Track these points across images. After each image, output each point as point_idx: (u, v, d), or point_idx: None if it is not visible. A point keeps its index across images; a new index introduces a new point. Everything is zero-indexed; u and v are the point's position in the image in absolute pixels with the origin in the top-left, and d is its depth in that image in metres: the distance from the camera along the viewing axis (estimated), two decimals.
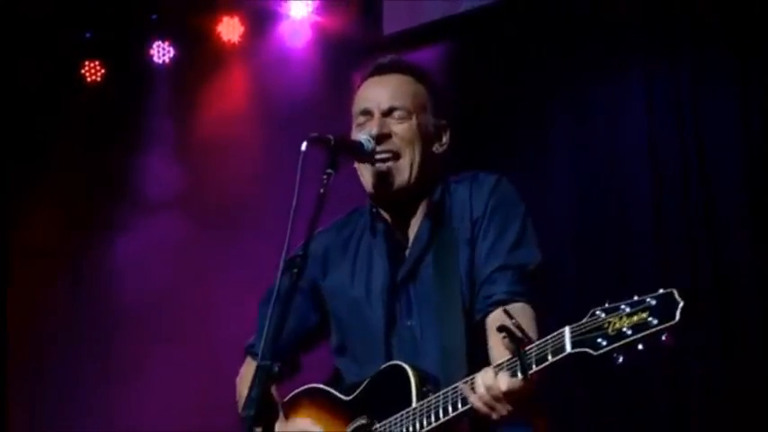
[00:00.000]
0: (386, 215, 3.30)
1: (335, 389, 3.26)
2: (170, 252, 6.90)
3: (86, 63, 7.19)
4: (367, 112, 3.27)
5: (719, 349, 5.48)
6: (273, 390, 3.20)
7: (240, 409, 3.27)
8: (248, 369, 3.41)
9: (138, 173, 7.12)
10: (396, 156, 3.20)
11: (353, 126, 3.31)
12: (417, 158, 3.22)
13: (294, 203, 2.84)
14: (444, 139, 3.32)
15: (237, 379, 3.48)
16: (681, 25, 5.80)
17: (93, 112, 7.16)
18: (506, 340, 2.72)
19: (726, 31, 5.67)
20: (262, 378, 2.66)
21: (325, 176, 2.99)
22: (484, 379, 2.78)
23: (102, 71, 7.20)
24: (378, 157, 3.19)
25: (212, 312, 6.59)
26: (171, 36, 7.13)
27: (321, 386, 3.31)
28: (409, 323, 3.19)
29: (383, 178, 3.20)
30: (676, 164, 5.74)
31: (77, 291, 7.11)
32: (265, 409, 2.64)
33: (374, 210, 3.31)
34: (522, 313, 2.88)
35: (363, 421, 3.10)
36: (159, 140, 7.11)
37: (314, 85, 6.74)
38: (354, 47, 6.54)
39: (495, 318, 3.01)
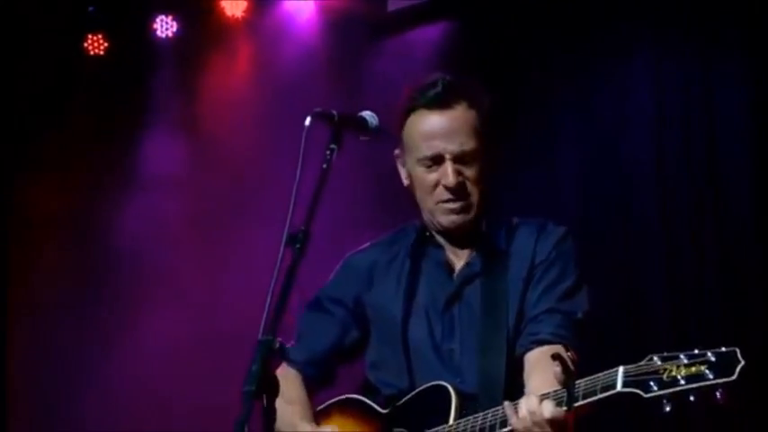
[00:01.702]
0: (440, 239, 3.36)
1: (375, 401, 3.32)
2: (172, 226, 6.90)
3: (89, 36, 7.15)
4: (436, 157, 3.27)
5: (727, 340, 5.46)
6: (301, 388, 3.33)
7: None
8: (281, 374, 3.43)
9: (141, 147, 7.11)
10: (466, 197, 3.26)
11: (412, 160, 3.30)
12: (483, 192, 3.29)
13: (297, 179, 2.84)
14: (496, 157, 3.36)
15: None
16: (689, 8, 5.75)
17: (95, 85, 7.13)
18: (558, 370, 2.76)
19: (734, 14, 5.63)
20: (262, 353, 2.64)
21: (328, 152, 2.98)
22: (528, 404, 2.87)
23: (105, 44, 7.16)
24: (451, 203, 3.24)
25: (214, 285, 6.61)
26: (174, 10, 7.09)
27: (357, 396, 3.37)
28: (451, 346, 3.25)
29: (453, 218, 3.27)
30: (683, 149, 5.71)
31: (78, 265, 7.09)
32: (265, 384, 2.62)
33: (427, 234, 3.37)
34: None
35: None
36: (162, 114, 7.08)
37: (318, 61, 6.71)
38: (358, 22, 6.52)
39: (536, 356, 3.13)
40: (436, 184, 3.27)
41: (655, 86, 5.82)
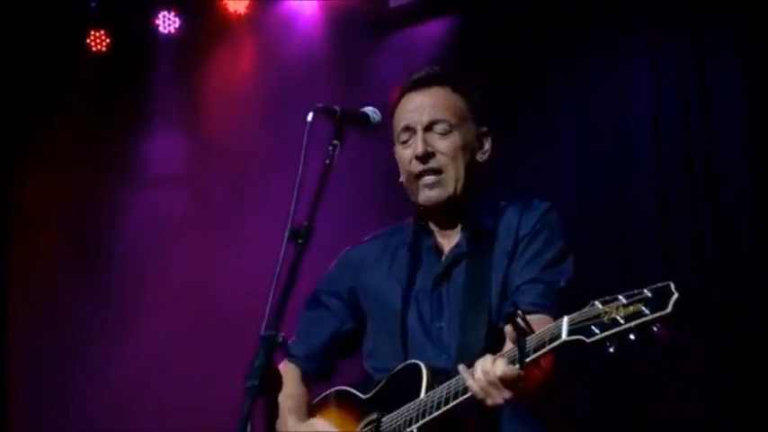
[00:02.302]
0: (433, 227, 3.37)
1: (362, 390, 3.33)
2: (174, 222, 6.90)
3: (92, 32, 7.15)
4: (408, 129, 3.31)
5: (721, 337, 5.48)
6: (300, 383, 3.37)
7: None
8: (281, 369, 3.45)
9: (143, 142, 7.11)
10: (439, 171, 3.27)
11: (396, 143, 3.37)
12: (462, 171, 3.28)
13: (299, 174, 2.84)
14: (486, 146, 3.37)
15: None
16: (686, 5, 5.76)
17: (98, 81, 7.13)
18: (509, 328, 2.79)
19: (731, 11, 5.63)
20: (265, 348, 2.64)
21: (330, 147, 2.99)
22: (482, 365, 2.86)
23: (108, 41, 7.16)
24: (424, 177, 3.26)
25: (216, 282, 6.61)
26: (176, 6, 7.10)
27: (346, 388, 3.39)
28: (439, 324, 3.26)
29: (428, 193, 3.27)
30: (681, 146, 5.72)
31: (79, 260, 7.10)
32: (269, 379, 2.62)
33: (422, 223, 3.37)
34: (540, 323, 2.90)
35: (374, 416, 3.19)
36: (164, 111, 7.09)
37: (320, 57, 6.72)
38: (360, 18, 6.51)
39: None
40: (411, 160, 3.29)
41: (652, 78, 5.83)
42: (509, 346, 2.90)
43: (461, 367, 2.91)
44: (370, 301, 3.42)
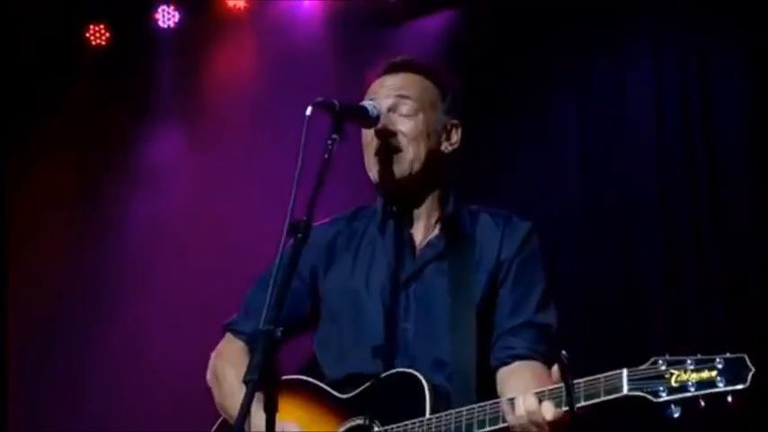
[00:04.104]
0: (401, 214, 3.30)
1: (337, 388, 3.22)
2: (174, 217, 6.89)
3: (91, 26, 7.15)
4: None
5: (723, 335, 5.49)
6: (244, 356, 3.22)
7: (212, 385, 3.34)
8: (227, 346, 3.41)
9: (142, 137, 7.11)
10: (397, 150, 3.21)
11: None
12: (421, 155, 3.22)
13: (298, 169, 2.83)
14: (454, 139, 3.32)
15: (213, 353, 3.44)
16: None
17: (97, 75, 7.13)
18: (555, 369, 2.78)
19: (734, 4, 5.64)
20: (265, 344, 2.62)
21: (329, 142, 2.98)
22: (526, 403, 2.81)
23: (107, 35, 7.16)
24: (381, 154, 3.21)
25: (218, 276, 6.59)
26: (176, 0, 7.09)
27: (314, 381, 3.27)
28: (405, 325, 3.19)
29: (384, 167, 3.22)
30: (682, 136, 5.73)
31: (78, 256, 7.10)
32: (267, 374, 2.61)
33: (388, 207, 3.31)
34: (535, 369, 2.93)
35: (360, 422, 3.09)
36: (164, 105, 7.09)
37: (320, 51, 6.70)
38: (361, 12, 6.50)
39: (513, 370, 3.09)
40: (372, 138, 3.24)
41: (653, 69, 5.84)
42: (515, 391, 2.89)
43: (504, 401, 2.87)
44: (331, 291, 3.32)
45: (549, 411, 2.78)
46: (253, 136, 6.75)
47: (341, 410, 3.16)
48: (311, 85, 6.13)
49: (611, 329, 5.61)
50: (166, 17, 7.08)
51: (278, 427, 3.03)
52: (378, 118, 3.19)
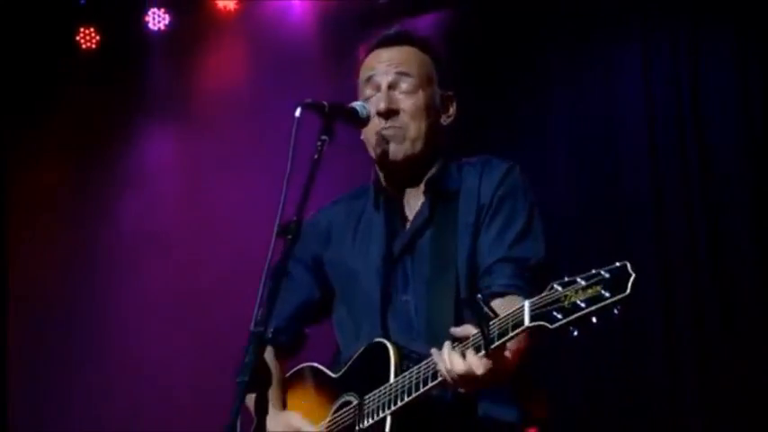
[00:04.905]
0: (395, 190, 3.29)
1: (333, 368, 3.24)
2: (166, 219, 6.90)
3: (81, 29, 7.15)
4: (373, 83, 3.27)
5: (717, 322, 5.50)
6: (273, 360, 3.21)
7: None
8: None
9: (134, 139, 7.11)
10: (399, 129, 3.21)
11: (360, 97, 3.30)
12: (423, 131, 3.22)
13: (288, 170, 2.83)
14: (451, 111, 3.32)
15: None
16: None
17: (87, 78, 7.13)
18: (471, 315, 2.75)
19: (726, 1, 5.66)
20: (255, 344, 2.63)
21: (319, 143, 2.97)
22: (449, 356, 2.78)
23: (98, 37, 7.16)
24: (384, 132, 3.20)
25: (214, 281, 6.61)
26: (166, 3, 7.09)
27: (314, 365, 3.30)
28: (405, 298, 3.17)
29: (387, 147, 3.21)
30: (673, 131, 5.77)
31: (73, 255, 7.11)
32: (259, 375, 2.62)
33: (380, 183, 3.30)
34: (513, 304, 2.83)
35: (350, 398, 3.10)
36: (154, 107, 7.09)
37: (310, 52, 6.71)
38: (350, 13, 6.51)
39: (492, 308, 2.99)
40: (373, 116, 3.22)
41: (645, 69, 5.86)
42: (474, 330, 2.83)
43: (434, 351, 2.84)
44: (335, 272, 3.33)
45: (468, 359, 2.73)
46: (243, 137, 6.75)
47: (334, 389, 3.18)
48: (301, 86, 6.14)
49: (605, 329, 5.62)
50: (157, 19, 7.09)
51: (282, 420, 3.12)
52: (368, 118, 3.19)
